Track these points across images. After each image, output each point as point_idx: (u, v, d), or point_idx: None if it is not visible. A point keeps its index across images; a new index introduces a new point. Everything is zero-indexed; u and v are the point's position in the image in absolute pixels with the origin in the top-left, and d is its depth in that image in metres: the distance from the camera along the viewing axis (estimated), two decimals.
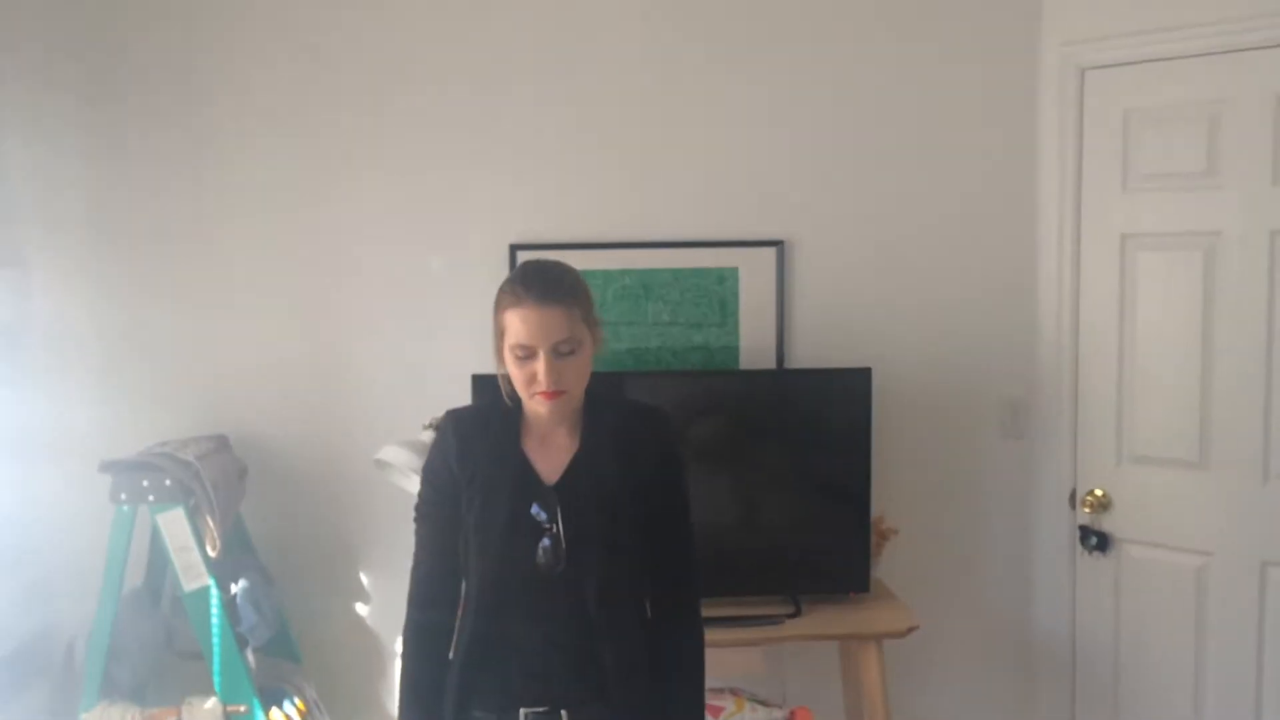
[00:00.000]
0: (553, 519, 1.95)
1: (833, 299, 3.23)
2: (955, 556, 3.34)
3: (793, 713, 2.91)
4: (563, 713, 1.94)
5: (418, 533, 2.07)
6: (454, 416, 2.07)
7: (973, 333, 3.27)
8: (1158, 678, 3.12)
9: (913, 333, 3.25)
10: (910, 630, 2.92)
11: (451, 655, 2.02)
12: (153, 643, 2.81)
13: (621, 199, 3.17)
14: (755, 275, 3.20)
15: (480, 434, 2.02)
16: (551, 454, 2.02)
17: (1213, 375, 2.95)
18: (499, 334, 1.96)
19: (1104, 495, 3.15)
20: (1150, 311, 3.05)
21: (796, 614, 2.97)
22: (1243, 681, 2.97)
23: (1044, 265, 3.24)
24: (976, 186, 3.24)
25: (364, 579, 3.21)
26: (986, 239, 3.26)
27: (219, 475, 2.83)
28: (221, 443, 3.01)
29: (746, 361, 3.21)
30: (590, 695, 1.96)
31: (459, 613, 2.04)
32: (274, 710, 2.80)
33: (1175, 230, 2.99)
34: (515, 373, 1.94)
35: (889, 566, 3.19)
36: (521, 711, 1.94)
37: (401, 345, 3.15)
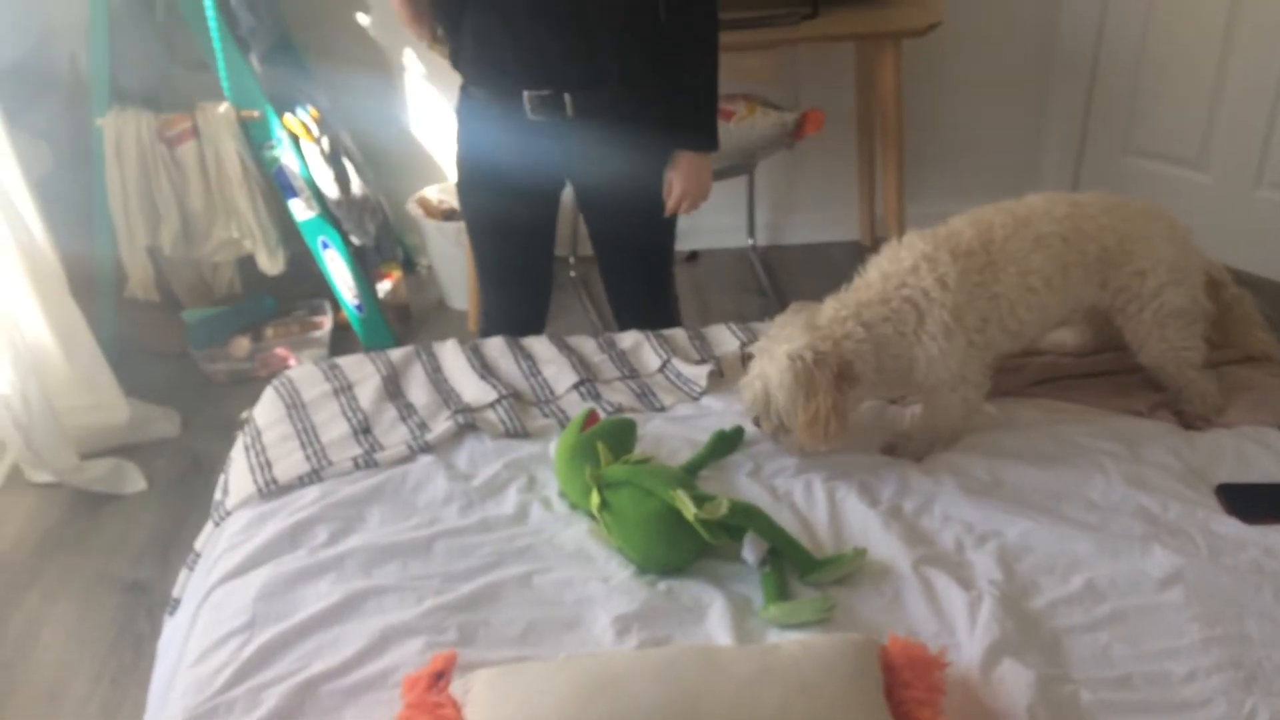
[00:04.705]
0: None
1: None
2: None
3: (805, 115, 2.89)
4: (566, 96, 1.90)
5: None
6: None
7: None
8: (1177, 84, 3.06)
9: None
10: (930, 28, 2.82)
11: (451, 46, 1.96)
12: (154, 50, 2.76)
13: None
14: None
15: None
16: None
17: None
18: None
19: None
20: None
21: (813, 15, 2.86)
22: (1264, 88, 2.91)
23: None
24: None
25: None
26: None
27: None
28: None
29: None
30: (594, 80, 1.91)
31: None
32: (287, 116, 2.80)
33: None
34: None
35: None
36: (524, 94, 1.91)
37: None
